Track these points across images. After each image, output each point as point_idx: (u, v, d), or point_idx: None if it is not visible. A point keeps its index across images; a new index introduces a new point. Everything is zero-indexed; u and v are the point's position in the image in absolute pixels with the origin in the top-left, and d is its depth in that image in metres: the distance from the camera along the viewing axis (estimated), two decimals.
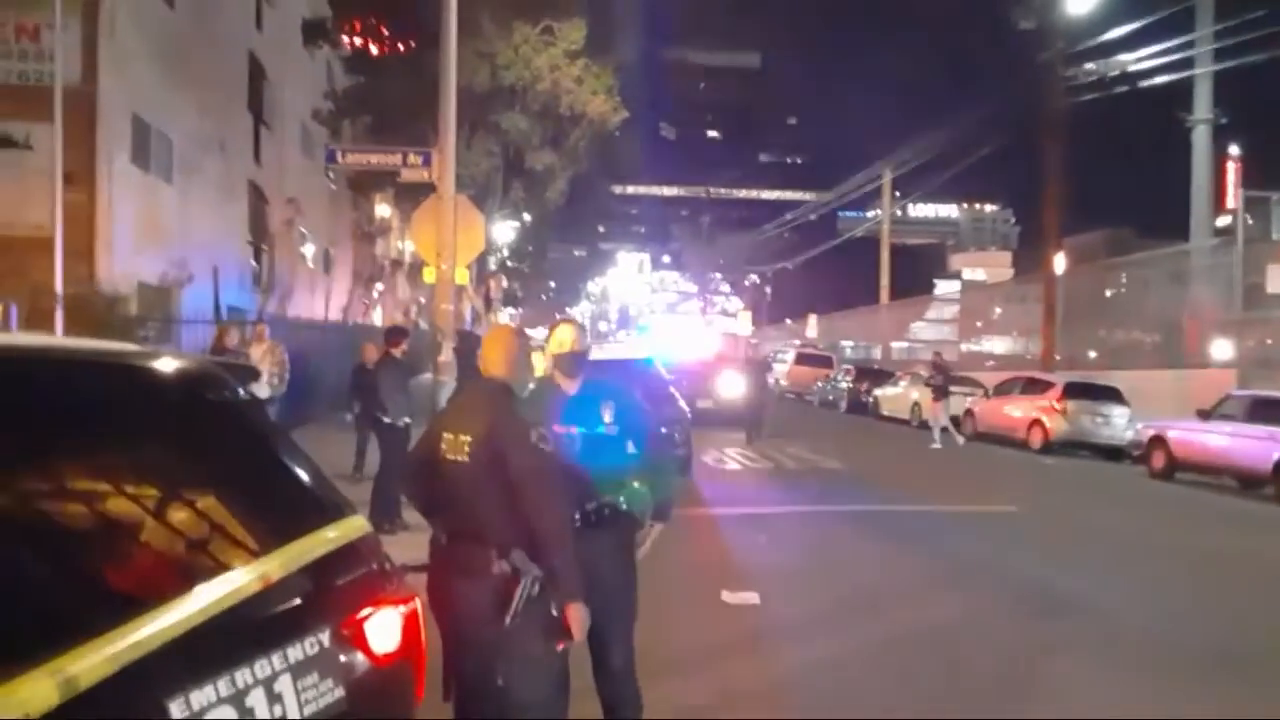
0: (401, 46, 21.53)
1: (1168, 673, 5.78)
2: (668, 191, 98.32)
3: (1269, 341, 21.35)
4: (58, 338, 2.05)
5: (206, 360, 3.20)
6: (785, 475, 14.21)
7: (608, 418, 3.72)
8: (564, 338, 3.77)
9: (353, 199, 30.56)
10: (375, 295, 36.70)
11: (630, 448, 3.72)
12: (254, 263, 24.84)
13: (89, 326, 12.04)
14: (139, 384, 2.34)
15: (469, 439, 3.16)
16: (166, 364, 2.46)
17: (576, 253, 52.75)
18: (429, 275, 12.53)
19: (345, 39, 24.09)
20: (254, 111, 24.27)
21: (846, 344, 42.75)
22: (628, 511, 3.66)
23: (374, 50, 23.15)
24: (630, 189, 77.15)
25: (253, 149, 24.40)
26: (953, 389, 20.53)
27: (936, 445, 18.92)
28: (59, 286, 12.97)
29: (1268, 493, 13.70)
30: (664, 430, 4.05)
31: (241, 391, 2.64)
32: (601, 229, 58.65)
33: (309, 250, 29.79)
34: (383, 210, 28.89)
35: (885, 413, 25.64)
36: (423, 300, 31.44)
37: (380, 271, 35.47)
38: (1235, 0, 22.87)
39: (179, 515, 2.22)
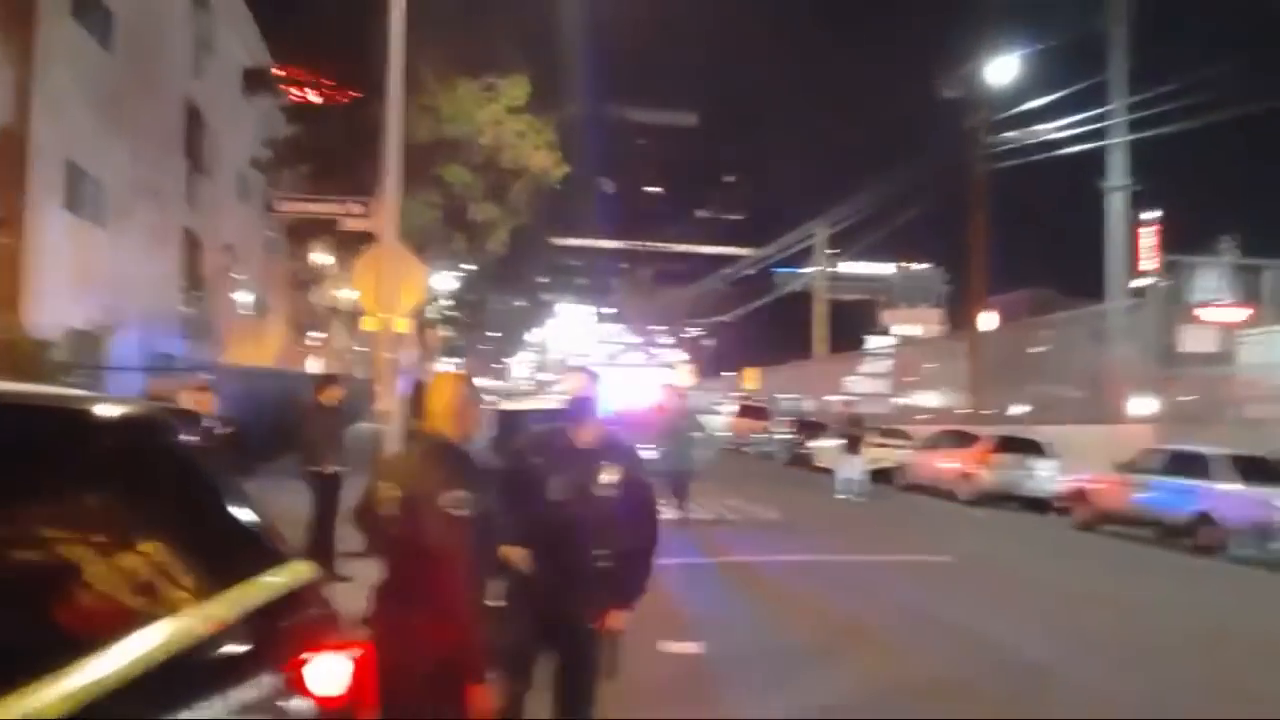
0: (343, 98, 21.59)
1: None
2: (608, 245, 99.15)
3: (1184, 398, 22.24)
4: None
5: (151, 405, 3.20)
6: (724, 525, 14.30)
7: (610, 477, 3.66)
8: (574, 382, 3.80)
9: (290, 246, 30.27)
10: (312, 343, 36.18)
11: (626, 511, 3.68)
12: (187, 309, 24.38)
13: (17, 373, 11.70)
14: (84, 428, 2.33)
15: (396, 494, 3.09)
16: (111, 408, 2.46)
17: (517, 303, 52.68)
18: (368, 324, 12.46)
19: (286, 89, 24.08)
20: (191, 157, 24.02)
21: (782, 397, 43.30)
22: (609, 570, 3.64)
23: (316, 100, 23.16)
24: (571, 241, 77.62)
25: (188, 195, 24.10)
26: (881, 441, 20.90)
27: (844, 496, 19.11)
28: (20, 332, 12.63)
29: (1186, 544, 14.19)
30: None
31: (186, 436, 2.65)
32: (543, 280, 58.78)
33: (244, 297, 29.34)
34: (321, 258, 28.64)
35: (820, 465, 25.99)
36: (360, 349, 31.19)
37: (317, 319, 35.03)
38: (1150, 74, 24.24)
39: (124, 560, 2.21)
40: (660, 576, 9.84)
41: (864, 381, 39.76)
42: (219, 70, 25.26)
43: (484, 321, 45.50)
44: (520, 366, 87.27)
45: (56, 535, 2.07)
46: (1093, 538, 15.71)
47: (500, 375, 72.45)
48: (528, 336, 72.31)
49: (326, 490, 9.10)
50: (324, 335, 36.20)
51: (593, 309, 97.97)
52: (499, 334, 55.38)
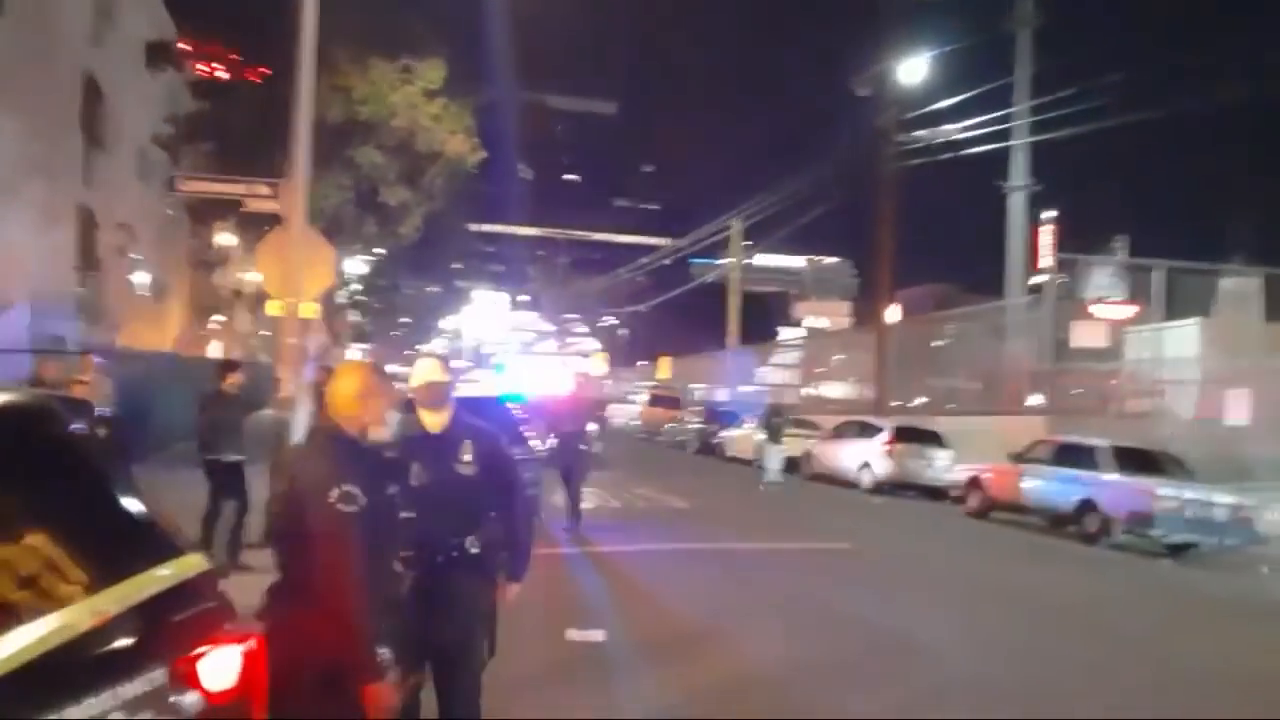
0: (252, 75, 21.00)
1: (992, 707, 6.26)
2: (525, 232, 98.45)
3: (1075, 391, 23.29)
4: None
5: (38, 394, 3.13)
6: (633, 514, 14.47)
7: (467, 457, 3.69)
8: (426, 369, 3.74)
9: (191, 226, 29.28)
10: (214, 327, 35.09)
11: (490, 493, 3.71)
12: (80, 289, 23.41)
13: None
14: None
15: (284, 487, 3.07)
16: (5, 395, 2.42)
17: (430, 289, 51.92)
18: (273, 308, 12.17)
19: (192, 64, 23.29)
20: (86, 132, 23.03)
21: (696, 387, 43.75)
22: (479, 556, 3.65)
23: (223, 76, 22.46)
24: (487, 228, 76.83)
25: (84, 171, 23.12)
26: (792, 431, 21.41)
27: (765, 484, 19.59)
28: None
29: (1071, 530, 14.91)
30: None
31: (74, 425, 2.61)
32: (457, 267, 58.02)
33: (142, 278, 28.29)
34: (224, 239, 27.78)
35: (731, 454, 26.38)
36: (265, 333, 30.38)
37: (220, 303, 33.99)
38: (1053, 77, 25.26)
39: (9, 553, 2.19)
40: (568, 565, 10.00)
41: (775, 372, 40.45)
42: (120, 41, 24.22)
43: (396, 307, 44.77)
44: (434, 353, 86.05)
45: None
46: (985, 525, 16.38)
47: (411, 362, 71.44)
48: (441, 323, 71.32)
49: (228, 479, 8.92)
50: (226, 319, 35.15)
51: (508, 296, 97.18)
52: (411, 320, 54.53)
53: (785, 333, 66.18)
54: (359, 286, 33.19)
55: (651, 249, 64.63)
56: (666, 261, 58.77)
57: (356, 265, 29.57)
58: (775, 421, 20.67)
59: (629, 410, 39.22)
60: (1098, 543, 14.14)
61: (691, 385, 43.96)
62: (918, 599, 9.63)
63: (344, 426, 3.14)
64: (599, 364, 60.21)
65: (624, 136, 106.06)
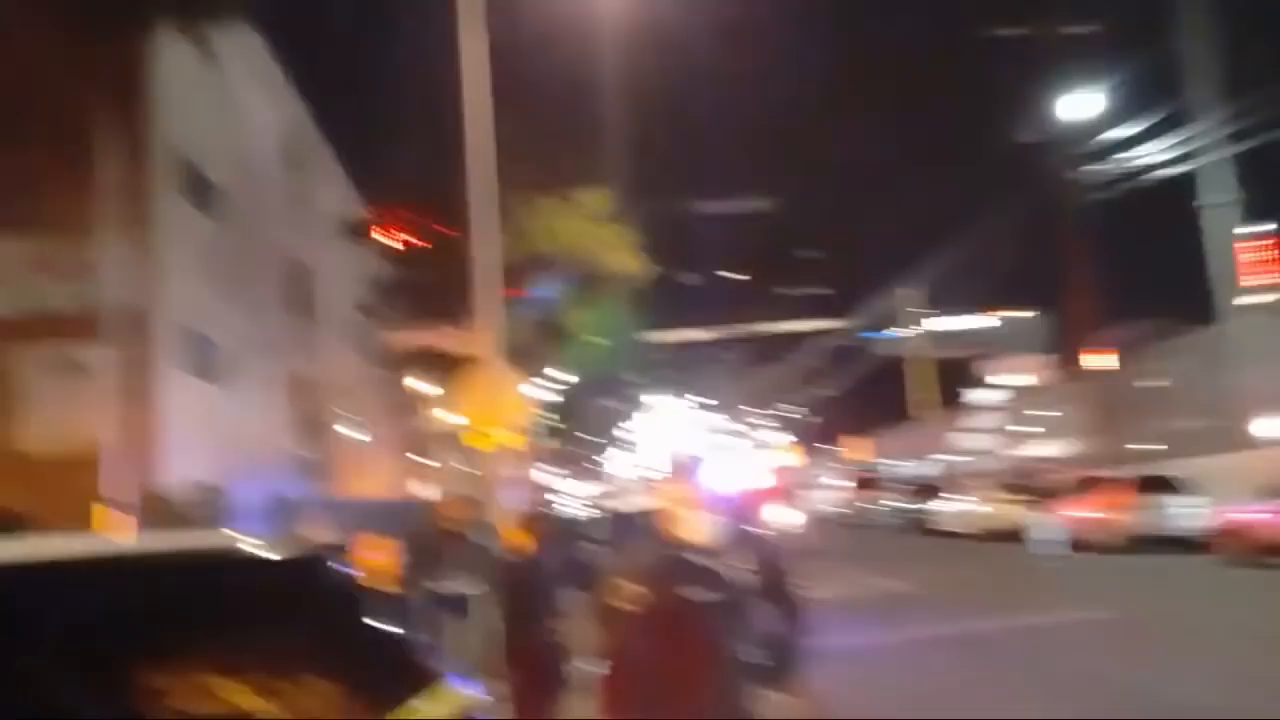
0: (435, 236, 22.60)
1: None
2: (696, 335, 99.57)
3: None
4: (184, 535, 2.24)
5: (304, 544, 3.33)
6: (859, 603, 13.80)
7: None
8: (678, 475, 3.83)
9: (395, 376, 31.34)
10: (424, 467, 36.94)
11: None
12: (301, 450, 25.30)
13: (162, 528, 12.27)
14: (246, 572, 2.49)
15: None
16: (271, 551, 2.61)
17: (612, 403, 53.13)
18: (475, 441, 12.71)
19: (382, 233, 25.31)
20: (297, 307, 25.30)
21: (886, 463, 42.28)
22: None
23: (409, 241, 24.29)
24: (662, 336, 78.30)
25: (296, 342, 25.30)
26: (1004, 496, 20.22)
27: (1043, 554, 18.40)
28: (128, 493, 13.33)
29: None
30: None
31: (336, 572, 2.77)
32: (637, 378, 59.27)
33: (354, 432, 30.34)
34: (426, 385, 29.56)
35: (948, 528, 25.07)
36: (469, 468, 31.78)
37: (426, 444, 35.85)
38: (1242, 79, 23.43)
39: (295, 696, 2.26)
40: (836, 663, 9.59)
41: (974, 438, 38.63)
42: (316, 223, 26.73)
43: (584, 426, 45.94)
44: (621, 465, 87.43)
45: (229, 679, 2.12)
46: (1252, 574, 14.65)
47: (599, 476, 72.73)
48: (626, 434, 72.51)
49: (454, 610, 9.17)
50: (434, 459, 36.99)
51: (688, 398, 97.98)
52: (597, 435, 55.74)
53: (973, 395, 63.31)
54: (549, 412, 34.31)
55: (824, 333, 63.97)
56: (842, 341, 57.98)
57: (544, 392, 30.66)
58: (1033, 485, 19.55)
59: (822, 495, 38.32)
60: None
61: (881, 461, 42.56)
62: (1218, 670, 8.56)
63: (671, 537, 3.42)
64: (792, 454, 59.26)
65: (789, 223, 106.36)
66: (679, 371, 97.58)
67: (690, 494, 3.67)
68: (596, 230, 22.20)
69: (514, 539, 8.78)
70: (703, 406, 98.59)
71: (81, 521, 12.09)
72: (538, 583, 7.53)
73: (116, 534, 11.39)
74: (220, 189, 20.27)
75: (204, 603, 2.24)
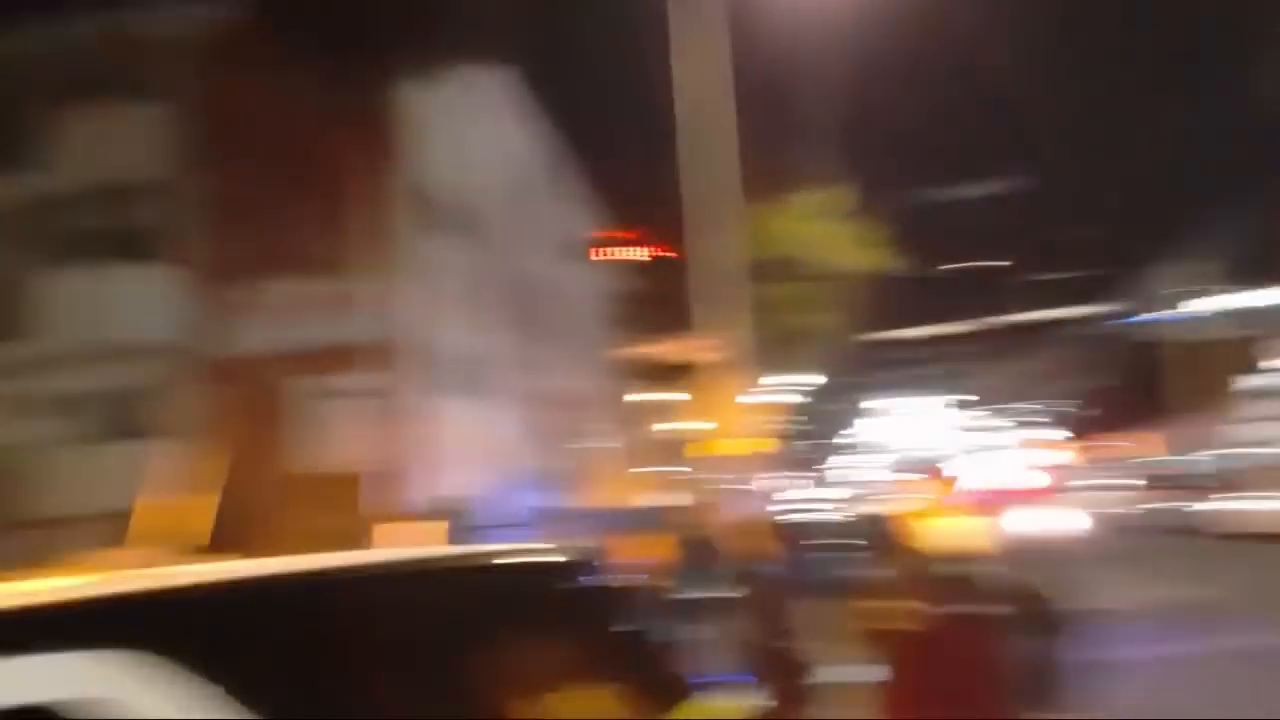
0: (668, 251, 22.90)
1: None
2: (949, 329, 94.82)
3: None
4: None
5: (577, 552, 3.32)
6: (1160, 612, 12.26)
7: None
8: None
9: (635, 387, 32.05)
10: (664, 475, 37.49)
11: None
12: (551, 462, 26.32)
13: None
14: (549, 577, 2.52)
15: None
16: (557, 558, 2.70)
17: (856, 404, 51.78)
18: (714, 449, 12.66)
19: (618, 249, 26.02)
20: (540, 325, 26.41)
21: (1177, 457, 38.14)
22: None
23: (645, 256, 24.80)
24: (909, 332, 75.44)
25: (541, 359, 26.40)
26: None
27: None
28: (398, 507, 14.39)
29: None
30: None
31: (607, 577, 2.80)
32: (882, 375, 57.55)
33: (598, 443, 31.25)
34: (662, 394, 30.05)
35: (1253, 529, 22.12)
36: (708, 475, 31.93)
37: (663, 453, 36.38)
38: None
39: (582, 702, 2.23)
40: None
41: (1270, 428, 34.10)
42: (557, 241, 27.84)
43: (826, 429, 45.05)
44: (867, 469, 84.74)
45: (520, 683, 2.12)
46: None
47: (843, 481, 70.80)
48: (871, 436, 70.31)
49: (711, 615, 9.07)
50: (674, 467, 37.46)
51: (940, 398, 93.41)
52: (840, 437, 54.50)
53: (1263, 380, 55.79)
54: (788, 415, 33.83)
55: (1094, 318, 59.10)
56: (1106, 325, 53.31)
57: (782, 396, 30.23)
58: None
59: (1102, 496, 35.21)
60: None
61: (1168, 456, 38.51)
62: None
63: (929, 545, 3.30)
64: (1064, 451, 54.92)
65: (1050, 204, 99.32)
66: (931, 368, 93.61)
67: (949, 498, 3.50)
68: (835, 228, 21.64)
69: (755, 545, 8.57)
70: (959, 404, 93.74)
71: (359, 536, 13.14)
72: (782, 589, 7.33)
73: (417, 544, 12.25)
74: (468, 216, 21.50)
75: (507, 608, 2.29)
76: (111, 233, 18.62)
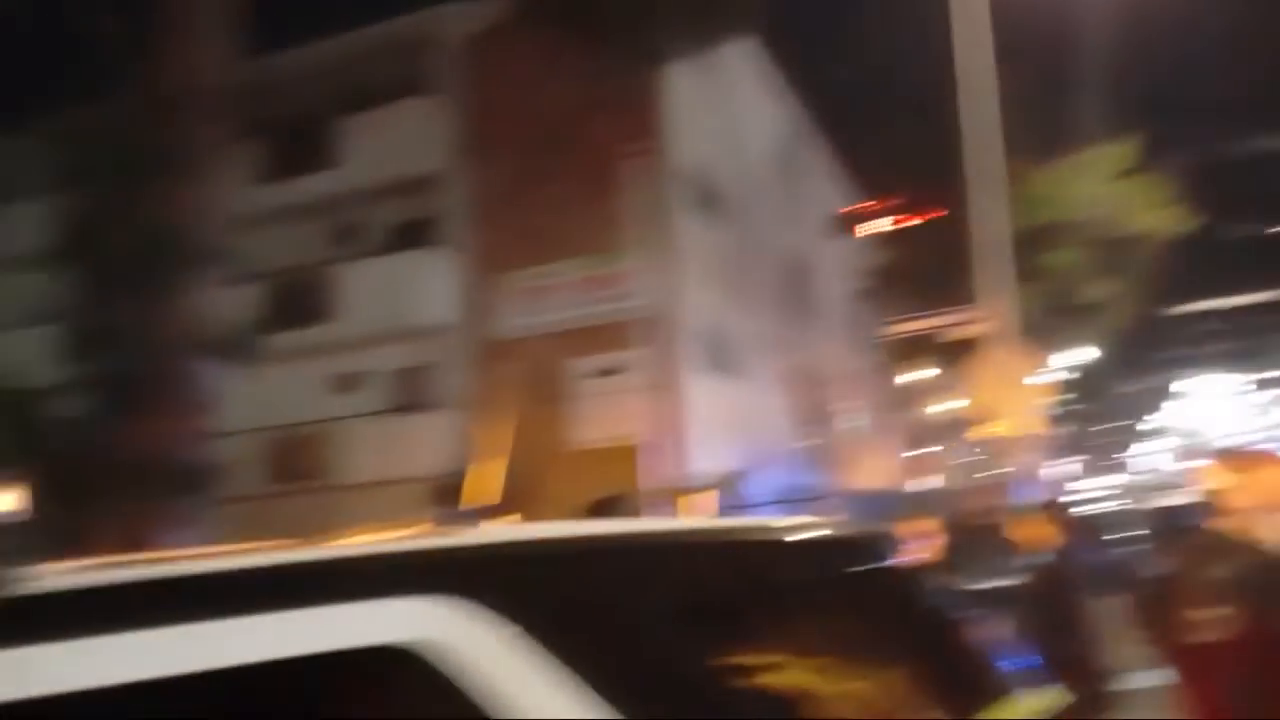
0: (928, 216, 21.82)
1: None
2: (1256, 297, 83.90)
3: None
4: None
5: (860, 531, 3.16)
6: None
7: None
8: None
9: (894, 365, 30.94)
10: (931, 457, 36.02)
11: None
12: (807, 441, 25.96)
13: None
14: (810, 555, 2.33)
15: None
16: (858, 535, 2.53)
17: (1145, 383, 47.18)
18: (986, 430, 11.90)
19: (873, 219, 25.16)
20: (796, 301, 26.08)
21: None
22: None
23: (900, 224, 23.81)
24: (1208, 302, 67.65)
25: (797, 335, 26.06)
26: None
27: None
28: (665, 481, 14.73)
29: None
30: None
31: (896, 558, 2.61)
32: (1174, 353, 52.06)
33: (856, 422, 30.45)
34: (926, 371, 28.77)
35: None
36: (976, 458, 30.25)
37: (926, 435, 34.89)
38: None
39: (863, 687, 2.09)
40: None
41: None
42: (812, 215, 27.37)
43: (1110, 410, 41.39)
44: (1159, 453, 77.09)
45: (792, 662, 2.00)
46: None
47: (1130, 466, 64.69)
48: (1164, 417, 63.84)
49: (999, 605, 8.64)
50: (941, 449, 35.85)
51: (1242, 376, 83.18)
52: (1126, 419, 49.85)
53: None
54: (1064, 395, 31.41)
55: None
56: None
57: (1058, 374, 28.10)
58: None
59: None
60: None
61: None
62: None
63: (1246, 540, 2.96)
64: None
65: None
66: (1231, 342, 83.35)
67: (1266, 487, 3.03)
68: (1120, 188, 19.63)
69: (1036, 534, 7.96)
70: (1261, 383, 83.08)
71: (639, 507, 13.57)
72: (1069, 583, 6.79)
73: (695, 515, 12.55)
74: (725, 195, 21.54)
75: (822, 584, 2.20)
76: (397, 224, 20.39)
